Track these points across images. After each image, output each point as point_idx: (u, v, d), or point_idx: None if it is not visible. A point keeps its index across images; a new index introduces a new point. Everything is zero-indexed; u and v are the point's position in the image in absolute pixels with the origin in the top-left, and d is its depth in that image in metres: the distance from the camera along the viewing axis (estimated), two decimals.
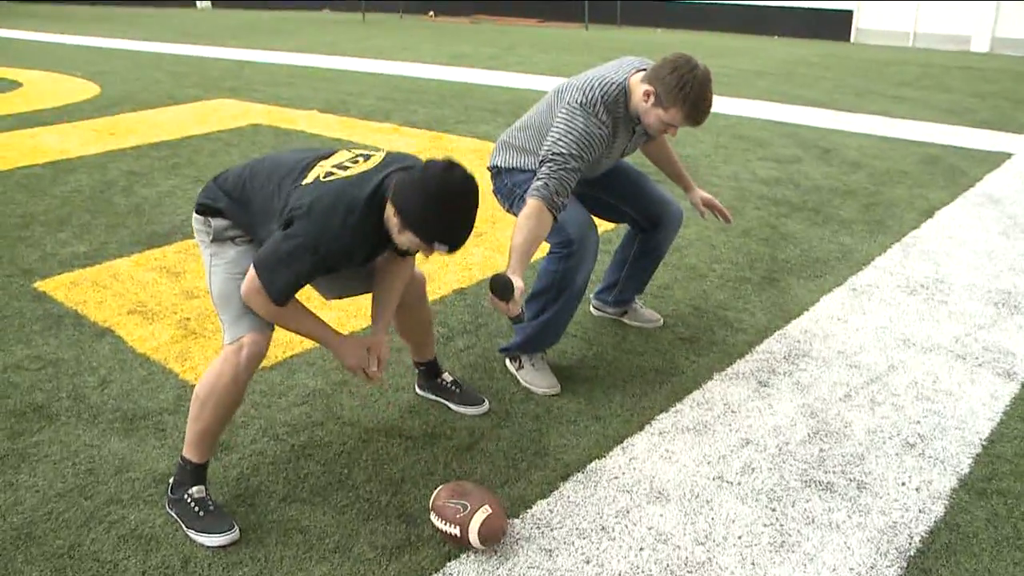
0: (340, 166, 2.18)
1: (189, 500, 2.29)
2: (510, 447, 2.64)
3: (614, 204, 3.15)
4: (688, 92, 2.55)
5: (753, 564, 2.13)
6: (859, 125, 7.20)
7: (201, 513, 2.26)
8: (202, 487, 2.32)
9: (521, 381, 2.98)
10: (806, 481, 2.45)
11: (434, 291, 3.80)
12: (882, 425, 2.72)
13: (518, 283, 2.44)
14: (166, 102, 8.85)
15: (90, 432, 2.75)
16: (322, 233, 2.06)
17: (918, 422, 2.74)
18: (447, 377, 2.87)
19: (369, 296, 2.49)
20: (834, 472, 2.49)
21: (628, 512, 2.33)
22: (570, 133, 2.62)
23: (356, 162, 2.20)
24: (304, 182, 2.16)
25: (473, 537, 2.11)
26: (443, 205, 2.02)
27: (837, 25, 15.39)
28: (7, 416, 2.85)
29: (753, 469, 2.51)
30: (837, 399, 2.88)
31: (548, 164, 2.61)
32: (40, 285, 3.95)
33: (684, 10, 17.54)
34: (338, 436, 2.70)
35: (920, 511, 2.32)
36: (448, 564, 2.15)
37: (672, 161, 3.23)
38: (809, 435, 2.67)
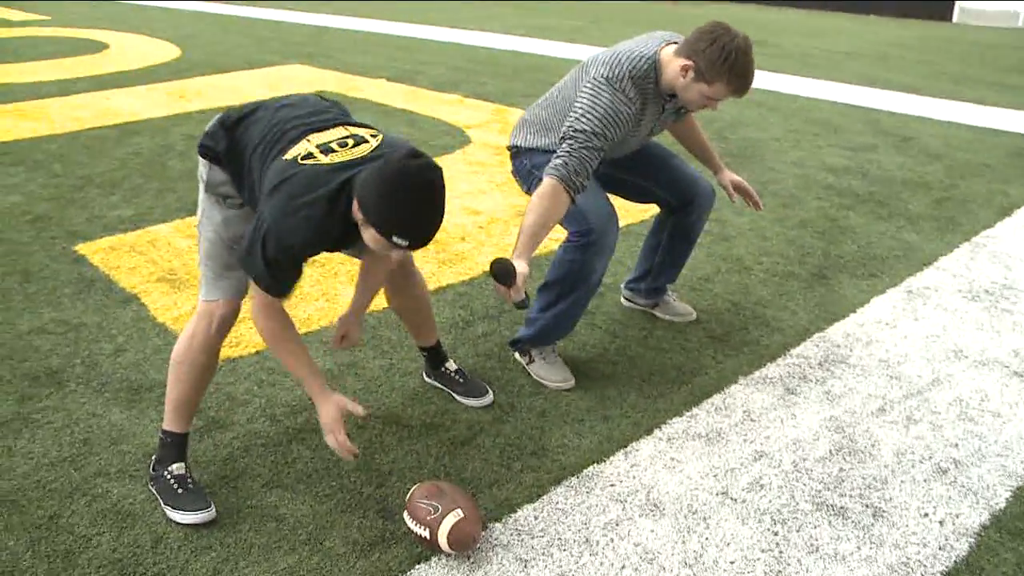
0: (325, 148, 2.02)
1: (169, 477, 2.25)
2: (507, 444, 2.52)
3: (642, 184, 2.98)
4: (733, 63, 2.38)
5: None
6: (948, 113, 6.77)
7: (180, 490, 2.22)
8: (182, 464, 2.28)
9: (532, 375, 2.85)
10: (818, 504, 2.26)
11: (464, 272, 3.70)
12: (914, 446, 2.50)
13: (521, 267, 2.31)
14: (242, 67, 8.93)
15: (94, 401, 2.74)
16: (280, 225, 1.94)
17: (956, 445, 2.51)
18: (451, 366, 2.76)
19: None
20: (851, 496, 2.29)
21: (617, 524, 2.19)
22: (594, 109, 2.45)
23: (344, 145, 2.03)
24: (284, 157, 2.03)
25: (442, 541, 2.01)
26: (399, 195, 1.85)
27: (938, 5, 14.59)
28: (21, 379, 2.87)
29: (762, 486, 2.33)
30: (869, 413, 2.66)
31: (569, 141, 2.46)
32: (80, 248, 3.99)
33: None
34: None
35: (940, 548, 2.11)
36: (417, 567, 2.05)
37: (701, 141, 3.04)
38: (831, 452, 2.48)
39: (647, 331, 3.19)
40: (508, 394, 2.78)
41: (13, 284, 3.61)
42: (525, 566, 2.05)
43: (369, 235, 1.92)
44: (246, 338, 3.09)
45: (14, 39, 11.19)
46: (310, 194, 1.93)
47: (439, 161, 5.14)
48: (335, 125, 2.13)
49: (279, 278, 2.03)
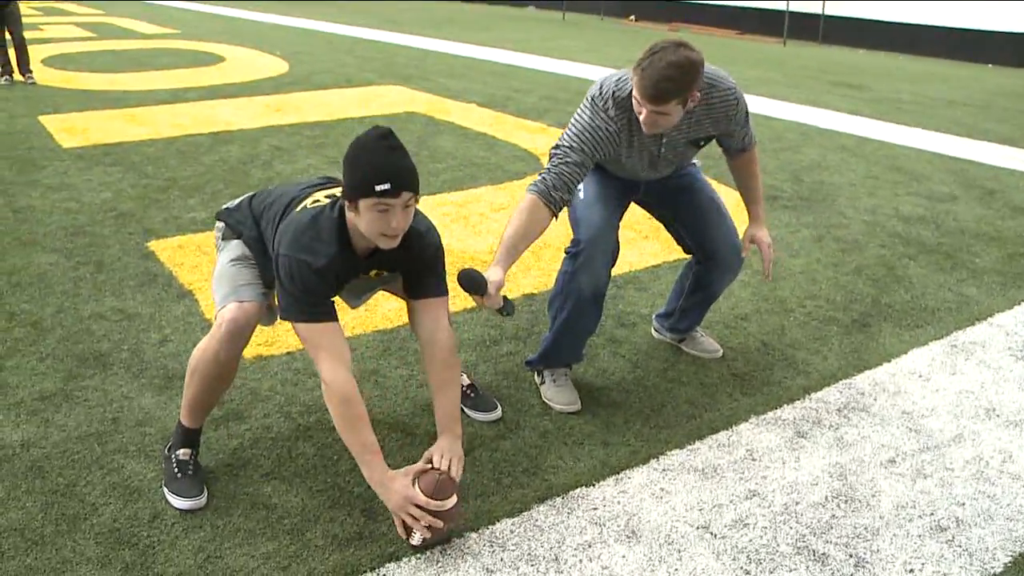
0: (331, 197, 2.22)
1: (173, 460, 2.39)
2: (503, 460, 2.57)
3: (675, 226, 3.03)
4: (644, 67, 2.35)
5: None
6: None
7: (179, 475, 2.35)
8: (189, 451, 2.41)
9: (542, 396, 2.90)
10: (799, 548, 2.23)
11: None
12: (917, 500, 2.44)
13: (493, 275, 2.35)
14: (341, 84, 9.28)
15: (131, 385, 2.93)
16: (293, 250, 2.11)
17: (963, 504, 2.43)
18: (464, 380, 2.83)
19: (388, 296, 2.55)
20: (836, 543, 2.25)
21: (590, 547, 2.21)
22: (574, 126, 2.54)
23: None
24: (295, 210, 2.22)
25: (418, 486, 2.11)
26: (362, 154, 2.03)
27: None
28: (72, 359, 3.09)
29: (746, 524, 2.31)
30: (878, 463, 2.60)
31: (551, 158, 2.54)
32: (151, 244, 4.25)
33: (892, 31, 16.45)
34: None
35: None
36: (386, 565, 2.12)
37: (748, 184, 2.98)
38: (827, 498, 2.43)
39: (669, 364, 3.19)
40: (517, 412, 2.83)
41: (86, 273, 3.87)
42: (489, 575, 2.10)
43: (364, 222, 2.06)
44: (280, 339, 3.24)
45: (142, 51, 11.93)
46: (314, 222, 2.12)
47: (507, 186, 5.29)
48: (339, 186, 2.30)
49: (311, 303, 2.14)
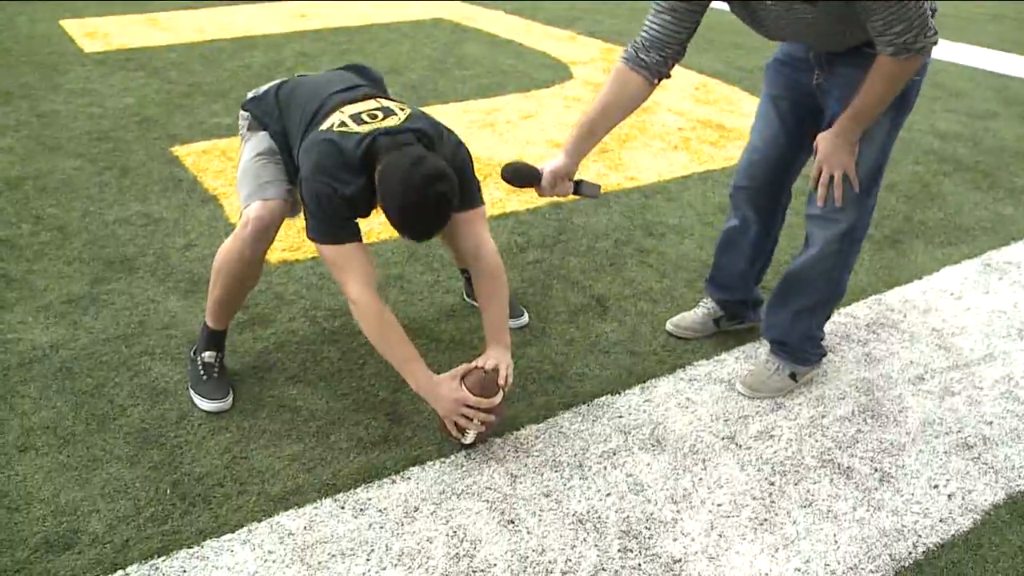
0: (356, 118, 2.13)
1: (199, 363, 2.40)
2: (528, 366, 2.57)
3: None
4: None
5: (720, 536, 1.97)
6: None
7: (205, 377, 2.37)
8: (214, 353, 2.42)
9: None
10: (824, 461, 2.22)
11: (530, 200, 3.72)
12: (944, 417, 2.42)
13: (550, 163, 2.24)
14: None
15: (156, 288, 2.93)
16: (315, 180, 2.06)
17: (990, 423, 2.41)
18: None
19: None
20: (861, 458, 2.24)
21: (614, 454, 2.21)
22: None
23: (374, 117, 2.13)
24: (320, 127, 2.14)
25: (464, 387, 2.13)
26: (407, 209, 1.98)
27: None
28: (98, 263, 3.09)
29: (771, 436, 2.31)
30: (905, 380, 2.58)
31: None
32: (176, 150, 4.21)
33: None
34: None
35: (941, 520, 2.05)
36: (410, 469, 2.14)
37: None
38: (853, 412, 2.42)
39: (698, 273, 3.14)
40: (543, 320, 2.82)
41: (111, 178, 3.85)
42: (514, 480, 2.11)
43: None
44: (306, 244, 3.21)
45: None
46: (334, 168, 2.05)
47: (535, 94, 5.19)
48: (366, 98, 2.23)
49: (334, 224, 2.10)
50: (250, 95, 2.44)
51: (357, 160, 2.05)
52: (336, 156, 2.06)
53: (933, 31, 1.91)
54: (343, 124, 2.12)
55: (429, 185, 1.95)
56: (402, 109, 2.19)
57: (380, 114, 2.15)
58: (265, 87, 2.43)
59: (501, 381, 2.15)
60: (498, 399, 2.13)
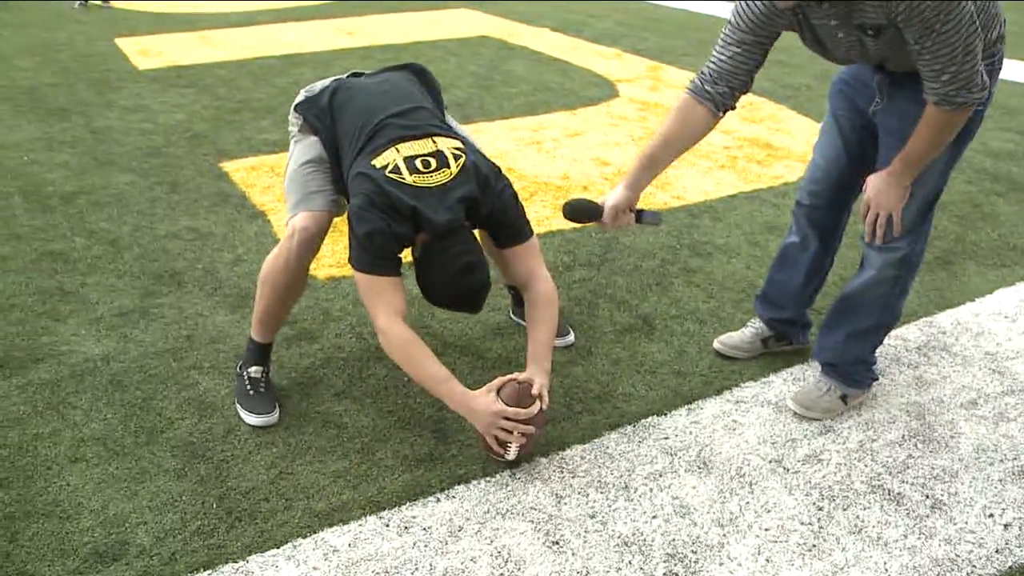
0: (410, 164, 2.13)
1: (245, 377, 2.42)
2: (574, 385, 2.56)
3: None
4: None
5: (768, 561, 1.94)
6: None
7: (251, 392, 2.39)
8: (260, 368, 2.44)
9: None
10: (874, 486, 2.18)
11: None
12: (999, 444, 2.36)
13: (611, 197, 2.26)
14: (413, 8, 9.16)
15: (205, 303, 2.97)
16: (364, 213, 2.10)
17: None
18: None
19: None
20: (912, 484, 2.19)
21: (660, 476, 2.19)
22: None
23: (427, 166, 2.13)
24: (373, 162, 2.14)
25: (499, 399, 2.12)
26: (437, 302, 2.22)
27: None
28: (148, 277, 3.15)
29: (820, 460, 2.27)
30: (958, 405, 2.52)
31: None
32: (224, 165, 4.28)
33: None
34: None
35: (996, 551, 1.99)
36: (455, 487, 2.14)
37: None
38: (904, 437, 2.37)
39: (745, 294, 3.11)
40: (589, 339, 2.81)
41: (161, 193, 3.92)
42: (558, 501, 2.10)
43: None
44: None
45: None
46: (387, 208, 2.09)
47: (581, 112, 5.19)
48: (424, 136, 2.22)
49: (374, 254, 2.11)
50: (302, 95, 2.43)
51: (406, 212, 2.08)
52: (387, 200, 2.08)
53: (979, 87, 1.89)
54: (396, 170, 2.12)
55: (473, 296, 2.16)
56: (456, 156, 2.17)
57: (433, 162, 2.14)
58: (319, 86, 2.43)
59: (535, 391, 2.13)
60: (535, 409, 2.11)
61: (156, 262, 3.26)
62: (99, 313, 2.89)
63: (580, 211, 2.29)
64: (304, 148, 2.37)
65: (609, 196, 2.29)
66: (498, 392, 2.12)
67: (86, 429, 2.32)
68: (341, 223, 2.34)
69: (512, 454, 2.14)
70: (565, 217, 2.31)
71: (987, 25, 1.95)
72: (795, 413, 2.45)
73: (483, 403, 2.10)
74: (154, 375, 2.57)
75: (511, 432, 2.09)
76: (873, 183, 2.15)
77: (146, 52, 6.79)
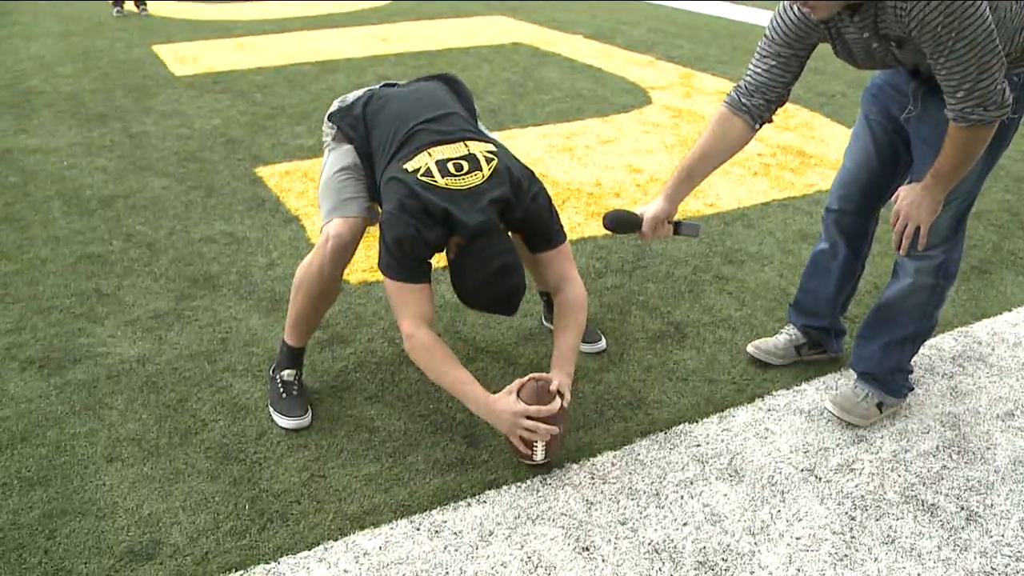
0: (443, 167, 2.14)
1: (278, 381, 2.45)
2: (606, 392, 2.56)
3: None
4: None
5: (799, 570, 1.92)
6: None
7: (284, 395, 2.41)
8: (294, 371, 2.46)
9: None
10: (907, 496, 2.16)
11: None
12: None
13: (650, 209, 2.28)
14: (447, 15, 9.20)
15: (239, 306, 3.01)
16: (395, 219, 2.11)
17: None
18: None
19: None
20: (946, 495, 2.17)
21: (691, 483, 2.18)
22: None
23: (460, 169, 2.15)
24: (406, 166, 2.16)
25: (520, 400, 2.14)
26: (474, 304, 2.18)
27: None
28: (183, 280, 3.19)
29: (852, 469, 2.25)
30: (993, 416, 2.49)
31: None
32: (259, 170, 4.33)
33: None
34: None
35: None
36: (485, 492, 2.14)
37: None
38: (938, 447, 2.34)
39: (777, 303, 3.10)
40: (621, 346, 2.81)
41: (197, 197, 3.98)
42: (589, 507, 2.10)
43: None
44: None
45: None
46: (419, 212, 2.09)
47: (614, 119, 5.19)
48: (456, 140, 2.24)
49: (402, 261, 2.13)
50: (336, 104, 2.46)
51: (439, 215, 2.09)
52: (419, 203, 2.09)
53: (997, 106, 1.87)
54: (428, 173, 2.13)
55: (509, 298, 2.12)
56: (488, 160, 2.19)
57: (465, 165, 2.16)
58: (352, 96, 2.46)
59: (553, 388, 2.14)
60: (555, 406, 2.11)
61: (191, 265, 3.31)
62: (135, 315, 2.94)
63: (620, 222, 2.31)
64: (338, 156, 2.39)
65: (648, 208, 2.32)
66: (518, 393, 2.13)
67: (122, 429, 2.36)
68: (374, 228, 2.36)
69: (540, 455, 2.14)
70: (606, 228, 2.33)
71: (1021, 28, 1.94)
72: (832, 415, 2.44)
73: (503, 404, 2.11)
74: (188, 377, 2.60)
75: (534, 431, 2.09)
76: (905, 194, 2.14)
77: (183, 59, 6.89)
